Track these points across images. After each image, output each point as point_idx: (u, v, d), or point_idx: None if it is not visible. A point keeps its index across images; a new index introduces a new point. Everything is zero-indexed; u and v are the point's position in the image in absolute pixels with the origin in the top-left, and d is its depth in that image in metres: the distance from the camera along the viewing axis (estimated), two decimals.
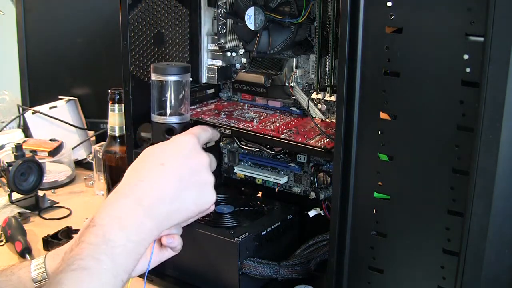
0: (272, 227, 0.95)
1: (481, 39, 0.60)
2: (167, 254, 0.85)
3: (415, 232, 0.70)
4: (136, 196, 0.65)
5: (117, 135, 1.18)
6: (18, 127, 1.65)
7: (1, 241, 1.13)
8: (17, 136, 1.58)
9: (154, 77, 0.85)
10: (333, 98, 0.92)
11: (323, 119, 0.95)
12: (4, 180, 1.23)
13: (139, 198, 0.65)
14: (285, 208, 1.01)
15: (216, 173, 1.12)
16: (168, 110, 0.85)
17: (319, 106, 0.95)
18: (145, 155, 0.71)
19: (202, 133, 0.77)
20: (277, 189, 1.06)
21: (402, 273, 0.73)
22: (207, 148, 1.05)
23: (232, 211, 0.99)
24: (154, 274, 0.94)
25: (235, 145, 1.06)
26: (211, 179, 0.71)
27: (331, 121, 0.93)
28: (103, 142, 1.27)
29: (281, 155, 1.02)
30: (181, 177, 0.68)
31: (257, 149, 1.03)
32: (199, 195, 0.70)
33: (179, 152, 0.70)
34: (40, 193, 1.30)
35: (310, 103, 0.95)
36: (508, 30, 0.57)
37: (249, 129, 0.91)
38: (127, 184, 0.67)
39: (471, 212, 0.63)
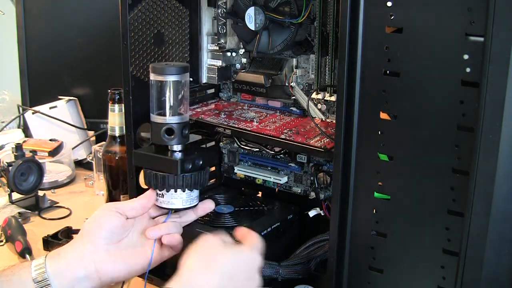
0: (272, 227, 0.95)
1: (481, 39, 0.60)
2: (168, 253, 0.85)
3: (415, 232, 0.70)
4: None
5: (117, 135, 1.18)
6: (18, 127, 1.65)
7: (1, 241, 1.13)
8: (17, 136, 1.58)
9: (153, 77, 0.85)
10: (333, 98, 0.92)
11: (323, 119, 0.95)
12: (4, 180, 1.23)
13: None
14: (285, 208, 1.01)
15: (216, 173, 1.13)
16: (167, 110, 0.84)
17: (319, 106, 0.95)
18: (216, 260, 0.74)
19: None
20: (277, 189, 1.06)
21: (402, 273, 0.73)
22: (207, 148, 1.05)
23: (232, 211, 0.99)
24: (154, 274, 0.94)
25: (235, 145, 1.06)
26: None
27: (331, 121, 0.93)
28: (103, 142, 1.27)
29: (281, 155, 1.02)
30: None
31: (257, 149, 1.03)
32: None
33: (248, 273, 0.76)
34: (40, 193, 1.30)
35: (310, 103, 0.95)
36: (508, 30, 0.57)
37: (249, 129, 0.91)
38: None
39: (471, 212, 0.63)
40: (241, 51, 1.04)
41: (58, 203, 1.31)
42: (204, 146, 1.04)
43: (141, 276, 0.85)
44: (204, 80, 1.07)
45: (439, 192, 0.67)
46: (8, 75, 1.78)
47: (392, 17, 0.66)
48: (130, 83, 0.92)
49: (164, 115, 0.85)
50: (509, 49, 0.57)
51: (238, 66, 1.06)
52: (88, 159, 1.46)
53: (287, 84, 0.99)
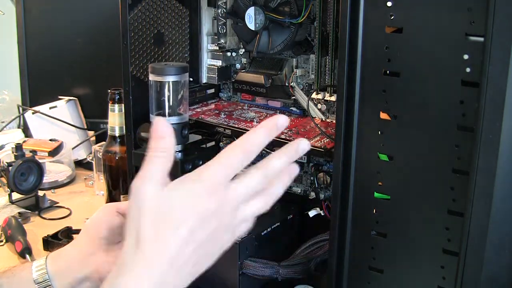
0: (272, 227, 0.94)
1: (481, 39, 0.60)
2: None
3: (415, 232, 0.70)
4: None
5: (117, 135, 1.18)
6: (18, 127, 1.65)
7: (1, 241, 1.13)
8: (17, 136, 1.58)
9: (152, 77, 0.85)
10: (333, 98, 0.92)
11: (323, 119, 0.95)
12: (4, 180, 1.23)
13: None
14: (285, 208, 1.01)
15: None
16: (167, 111, 0.84)
17: (319, 106, 0.95)
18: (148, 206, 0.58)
19: None
20: None
21: (402, 273, 0.73)
22: (207, 148, 1.05)
23: None
24: None
25: None
26: (225, 223, 0.60)
27: (331, 121, 0.93)
28: (103, 142, 1.27)
29: None
30: (191, 230, 0.57)
31: None
32: (213, 244, 0.60)
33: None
34: (40, 193, 1.30)
35: (310, 103, 0.95)
36: (508, 30, 0.57)
37: (249, 129, 0.91)
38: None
39: (471, 212, 0.63)
40: (241, 51, 1.04)
41: (58, 203, 1.31)
42: (204, 146, 1.04)
43: None
44: (204, 80, 1.07)
45: (439, 192, 0.67)
46: (8, 75, 1.78)
47: (392, 17, 0.66)
48: (130, 83, 0.92)
49: (164, 115, 0.85)
50: (509, 49, 0.57)
51: (238, 66, 1.05)
52: (88, 159, 1.46)
53: (287, 84, 0.99)
